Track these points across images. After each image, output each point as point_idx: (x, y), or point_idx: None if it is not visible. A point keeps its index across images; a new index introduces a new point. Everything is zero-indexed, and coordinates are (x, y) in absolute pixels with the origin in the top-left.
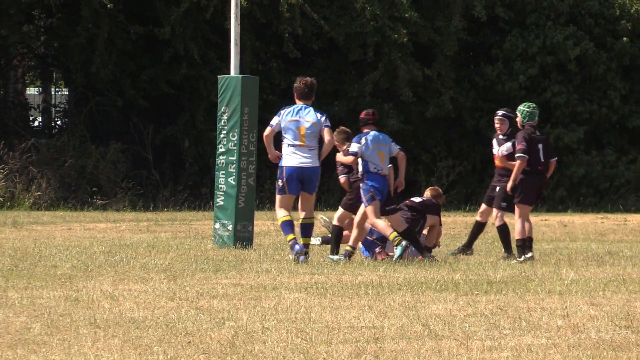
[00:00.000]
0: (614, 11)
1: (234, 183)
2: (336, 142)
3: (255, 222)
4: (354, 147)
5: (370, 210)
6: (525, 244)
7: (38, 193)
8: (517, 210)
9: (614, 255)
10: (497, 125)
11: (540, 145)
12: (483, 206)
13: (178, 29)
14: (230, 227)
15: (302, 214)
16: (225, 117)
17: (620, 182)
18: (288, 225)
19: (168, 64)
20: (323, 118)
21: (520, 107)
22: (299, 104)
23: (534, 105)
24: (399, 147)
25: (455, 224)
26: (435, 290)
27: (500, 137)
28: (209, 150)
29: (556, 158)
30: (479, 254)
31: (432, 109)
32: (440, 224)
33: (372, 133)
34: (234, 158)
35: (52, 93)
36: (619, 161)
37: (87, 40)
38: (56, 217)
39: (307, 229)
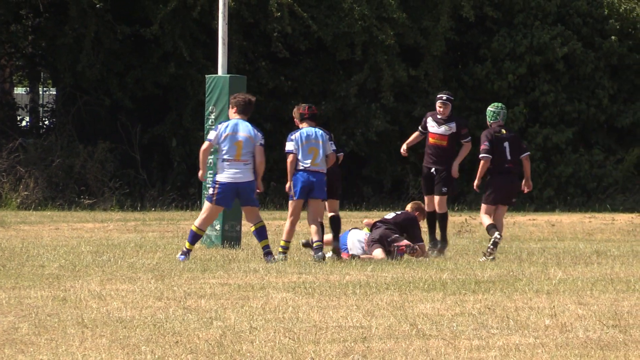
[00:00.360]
0: (602, 10)
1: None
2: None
3: (242, 222)
4: (289, 145)
5: (289, 207)
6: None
7: (25, 193)
8: (482, 207)
9: (602, 254)
10: (440, 109)
11: (506, 144)
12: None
13: (166, 27)
14: (218, 227)
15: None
16: (213, 117)
17: (608, 181)
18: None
19: (155, 64)
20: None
21: (488, 108)
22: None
23: (501, 105)
24: (334, 148)
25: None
26: (423, 289)
27: (439, 117)
28: (196, 150)
29: (528, 153)
30: (467, 253)
31: (419, 109)
32: (421, 240)
33: (306, 129)
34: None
35: (40, 93)
36: (607, 161)
37: (74, 40)
38: (44, 217)
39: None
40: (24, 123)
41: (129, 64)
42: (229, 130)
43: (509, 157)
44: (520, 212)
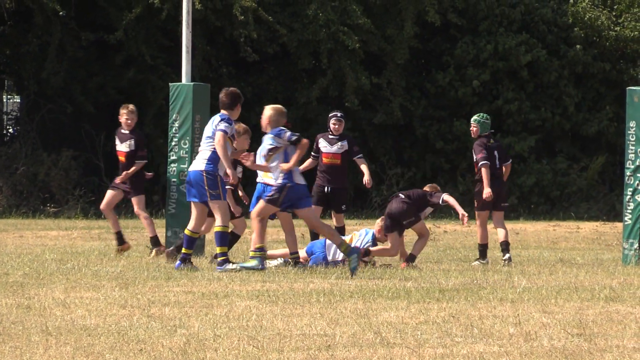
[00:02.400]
0: (566, 19)
1: (185, 191)
2: None
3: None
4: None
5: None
6: (485, 249)
7: None
8: (478, 219)
9: (566, 263)
10: (335, 126)
11: (496, 152)
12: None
13: (130, 33)
14: (182, 235)
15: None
16: (177, 125)
17: (572, 190)
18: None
19: (116, 69)
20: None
21: (476, 118)
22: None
23: (487, 116)
24: None
25: (406, 232)
26: (387, 297)
27: (331, 136)
28: (157, 158)
29: (510, 161)
30: (431, 262)
31: (380, 116)
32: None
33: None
34: (186, 166)
35: (4, 100)
36: (571, 169)
37: (39, 48)
38: (8, 225)
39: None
40: None
41: (92, 70)
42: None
43: (497, 165)
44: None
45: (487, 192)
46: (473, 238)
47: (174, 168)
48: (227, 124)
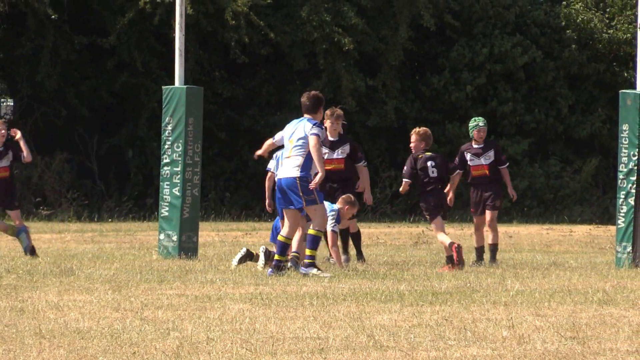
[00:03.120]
0: (559, 21)
1: (178, 194)
2: None
3: (200, 233)
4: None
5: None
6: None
7: None
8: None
9: (560, 266)
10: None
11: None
12: None
13: (123, 38)
14: (175, 238)
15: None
16: (170, 128)
17: (565, 192)
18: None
19: (110, 73)
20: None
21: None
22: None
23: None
24: None
25: (400, 235)
26: (380, 301)
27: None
28: (151, 161)
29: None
30: (424, 265)
31: (374, 118)
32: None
33: None
34: (179, 169)
35: None
36: (564, 172)
37: (32, 51)
38: None
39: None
40: None
41: (85, 74)
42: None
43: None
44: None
45: (512, 191)
46: (466, 241)
47: (167, 171)
48: (319, 128)
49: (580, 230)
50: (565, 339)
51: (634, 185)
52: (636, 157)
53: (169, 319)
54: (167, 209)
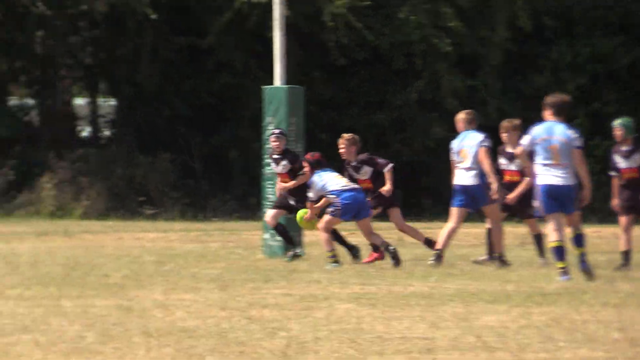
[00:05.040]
0: None
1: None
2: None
3: (305, 232)
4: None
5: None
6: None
7: (87, 202)
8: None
9: None
10: (275, 144)
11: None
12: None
13: (222, 38)
14: (279, 237)
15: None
16: (272, 128)
17: None
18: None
19: (209, 73)
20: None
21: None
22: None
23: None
24: None
25: (505, 235)
26: (487, 301)
27: (275, 156)
28: (254, 160)
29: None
30: (531, 265)
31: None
32: None
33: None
34: None
35: (99, 104)
36: None
37: (132, 51)
38: (106, 227)
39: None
40: (84, 134)
41: (184, 74)
42: (544, 134)
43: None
44: (583, 224)
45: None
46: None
47: (270, 170)
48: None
49: None
50: None
51: None
52: None
53: (275, 318)
54: (270, 207)
